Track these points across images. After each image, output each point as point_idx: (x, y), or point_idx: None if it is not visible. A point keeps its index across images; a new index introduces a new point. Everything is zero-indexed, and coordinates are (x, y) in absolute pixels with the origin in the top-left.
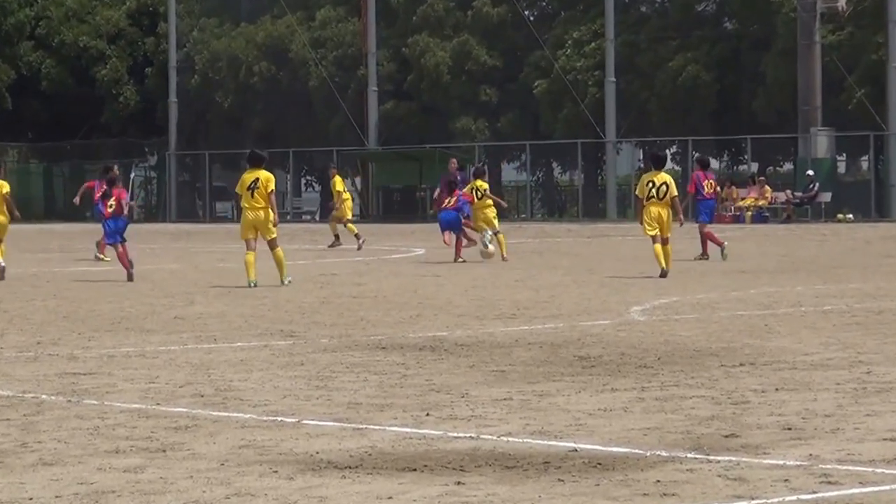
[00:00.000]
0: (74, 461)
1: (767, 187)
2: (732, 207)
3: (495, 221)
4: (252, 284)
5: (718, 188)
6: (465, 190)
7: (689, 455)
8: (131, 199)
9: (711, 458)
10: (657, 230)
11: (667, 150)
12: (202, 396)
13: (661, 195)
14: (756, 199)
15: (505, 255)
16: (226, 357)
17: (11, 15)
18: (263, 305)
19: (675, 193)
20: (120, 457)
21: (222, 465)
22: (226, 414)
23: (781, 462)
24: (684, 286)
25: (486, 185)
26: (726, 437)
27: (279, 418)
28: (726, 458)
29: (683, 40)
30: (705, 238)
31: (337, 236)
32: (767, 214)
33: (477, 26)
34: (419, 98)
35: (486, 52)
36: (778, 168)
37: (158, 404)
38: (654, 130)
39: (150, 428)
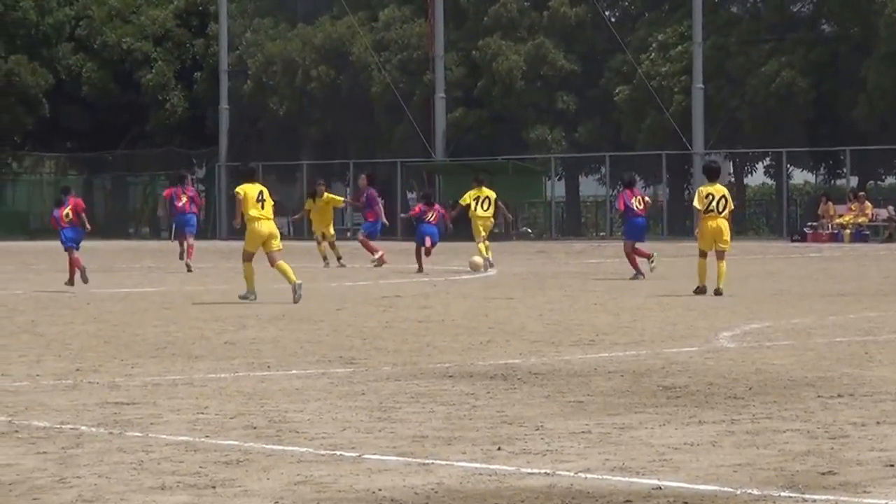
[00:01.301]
0: (116, 498)
1: (868, 203)
2: (830, 225)
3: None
4: (254, 297)
5: (648, 201)
6: (465, 196)
7: (782, 494)
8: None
9: (807, 496)
10: (713, 245)
11: (758, 163)
12: (254, 428)
13: (720, 208)
14: (855, 216)
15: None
16: (280, 386)
17: (49, 14)
18: (321, 330)
19: (731, 207)
20: (166, 494)
21: (276, 503)
22: (280, 447)
23: (883, 502)
24: (777, 310)
25: (493, 195)
26: (823, 474)
27: (338, 452)
28: (823, 496)
29: (777, 43)
30: (632, 256)
31: (338, 258)
32: (868, 233)
33: (553, 28)
34: (490, 105)
35: (563, 56)
36: (879, 182)
37: (207, 437)
38: (745, 141)
39: (198, 462)
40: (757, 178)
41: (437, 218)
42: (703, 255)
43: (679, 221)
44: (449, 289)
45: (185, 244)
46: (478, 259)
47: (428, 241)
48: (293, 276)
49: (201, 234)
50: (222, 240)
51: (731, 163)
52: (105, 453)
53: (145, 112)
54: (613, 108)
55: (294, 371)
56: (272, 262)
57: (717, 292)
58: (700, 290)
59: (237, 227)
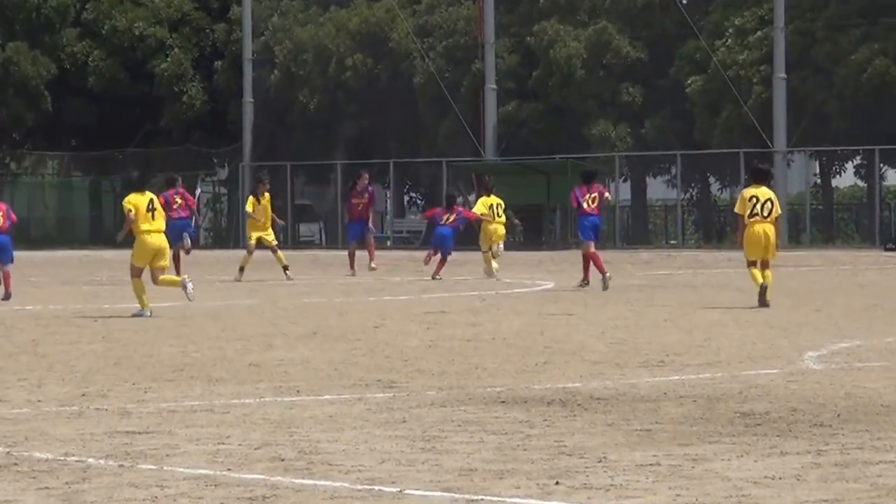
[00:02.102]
0: None
1: None
2: None
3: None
4: (149, 313)
5: (609, 198)
6: (478, 205)
7: None
8: (192, 223)
9: None
10: (761, 253)
11: (828, 164)
12: (283, 461)
13: (765, 212)
14: None
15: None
16: (311, 413)
17: None
18: (357, 350)
19: (780, 212)
20: None
21: None
22: (311, 482)
23: None
24: (869, 327)
25: (502, 202)
26: None
27: (376, 487)
28: None
29: (869, 28)
30: (588, 260)
31: (285, 269)
32: None
33: (617, 11)
34: (546, 98)
35: (628, 43)
36: None
37: (230, 470)
38: (833, 138)
39: (219, 499)
40: (846, 179)
41: (456, 221)
42: (752, 264)
43: None
44: (500, 304)
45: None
46: (494, 264)
47: (433, 253)
48: (176, 277)
49: (221, 243)
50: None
51: (818, 162)
52: (115, 489)
53: (159, 106)
54: (685, 101)
55: (327, 396)
56: (155, 280)
57: (764, 303)
58: (764, 300)
59: (120, 241)
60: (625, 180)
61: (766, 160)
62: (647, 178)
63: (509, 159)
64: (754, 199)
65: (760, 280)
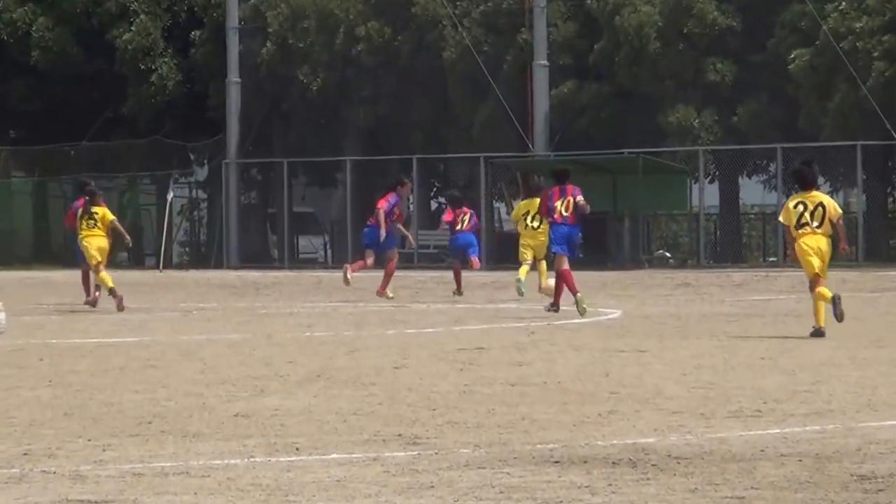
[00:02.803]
0: None
1: None
2: None
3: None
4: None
5: (584, 205)
6: (516, 210)
7: None
8: (167, 230)
9: None
10: (817, 267)
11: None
12: None
13: (817, 221)
14: None
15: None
16: (314, 476)
17: None
18: (372, 396)
19: (839, 213)
20: None
21: None
22: None
23: None
24: None
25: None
26: None
27: None
28: None
29: None
30: (561, 280)
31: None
32: None
33: None
34: (612, 77)
35: (715, 7)
36: None
37: None
38: None
39: None
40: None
41: (472, 226)
42: (816, 282)
43: (881, 240)
44: (554, 338)
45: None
46: (549, 282)
47: (474, 260)
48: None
49: (201, 261)
50: (232, 268)
51: None
52: None
53: (121, 88)
54: (787, 81)
55: (334, 455)
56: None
57: (818, 332)
58: (818, 332)
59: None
60: (711, 181)
61: (890, 156)
62: (740, 179)
63: (564, 155)
64: (801, 206)
65: (829, 293)
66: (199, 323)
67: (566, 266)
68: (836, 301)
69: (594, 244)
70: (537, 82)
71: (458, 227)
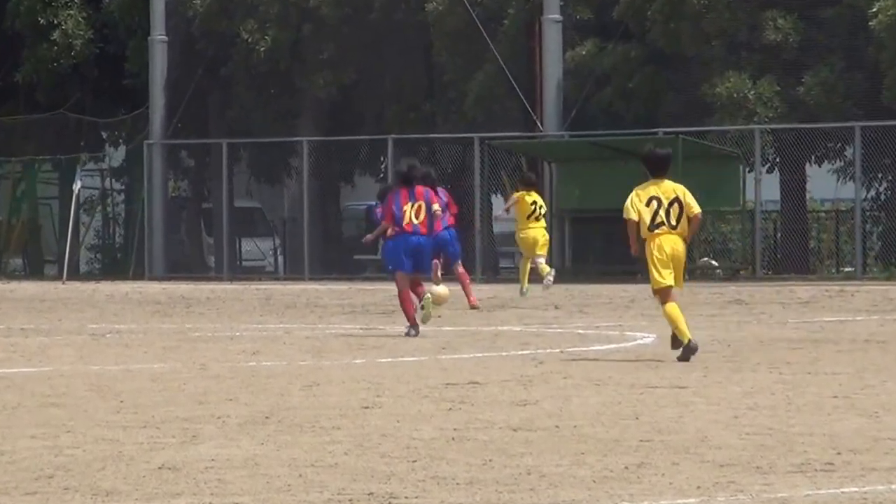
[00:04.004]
0: None
1: None
2: None
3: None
4: None
5: (440, 214)
6: (510, 202)
7: None
8: (72, 230)
9: None
10: (672, 278)
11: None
12: None
13: (673, 220)
14: None
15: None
16: None
17: None
18: (336, 444)
19: (697, 210)
20: None
21: None
22: None
23: None
24: None
25: (543, 203)
26: None
27: None
28: None
29: None
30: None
31: None
32: None
33: None
34: (643, 36)
35: None
36: None
37: None
38: None
39: None
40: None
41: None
42: (666, 295)
43: None
44: (568, 369)
45: None
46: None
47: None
48: None
49: (114, 269)
50: (156, 279)
51: None
52: None
53: (15, 49)
54: (867, 42)
55: None
56: None
57: (686, 352)
58: (688, 349)
59: None
60: (770, 170)
61: None
62: (807, 167)
63: (582, 135)
64: (654, 202)
65: (687, 334)
66: (114, 349)
67: (404, 284)
68: (688, 350)
69: (620, 249)
70: (547, 42)
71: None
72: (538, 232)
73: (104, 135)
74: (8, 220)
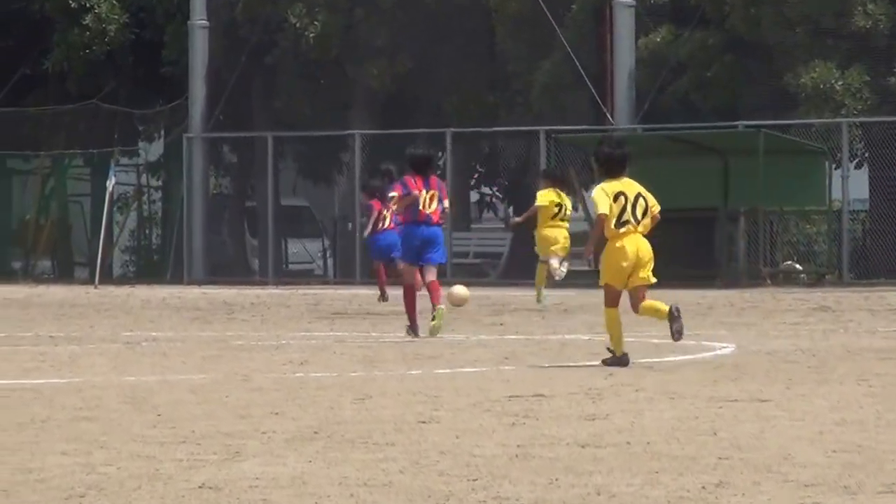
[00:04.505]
0: None
1: None
2: None
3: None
4: None
5: (447, 208)
6: (541, 196)
7: None
8: (106, 230)
9: None
10: (625, 280)
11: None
12: None
13: (640, 215)
14: None
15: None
16: None
17: None
18: (390, 462)
19: (657, 213)
20: None
21: None
22: None
23: None
24: None
25: (567, 202)
26: None
27: None
28: None
29: None
30: (423, 293)
31: None
32: None
33: None
34: (722, 22)
35: None
36: None
37: None
38: None
39: None
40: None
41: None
42: (614, 298)
43: None
44: (641, 381)
45: None
46: (554, 264)
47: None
48: None
49: (150, 272)
50: (196, 283)
51: None
52: None
53: (44, 35)
54: None
55: None
56: None
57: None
58: (621, 360)
59: None
60: (858, 166)
61: None
62: None
63: (655, 129)
64: (621, 198)
65: (621, 343)
66: (151, 358)
67: (415, 278)
68: (674, 315)
69: (698, 252)
70: (619, 28)
71: (381, 223)
72: (560, 232)
73: (140, 127)
74: (36, 220)
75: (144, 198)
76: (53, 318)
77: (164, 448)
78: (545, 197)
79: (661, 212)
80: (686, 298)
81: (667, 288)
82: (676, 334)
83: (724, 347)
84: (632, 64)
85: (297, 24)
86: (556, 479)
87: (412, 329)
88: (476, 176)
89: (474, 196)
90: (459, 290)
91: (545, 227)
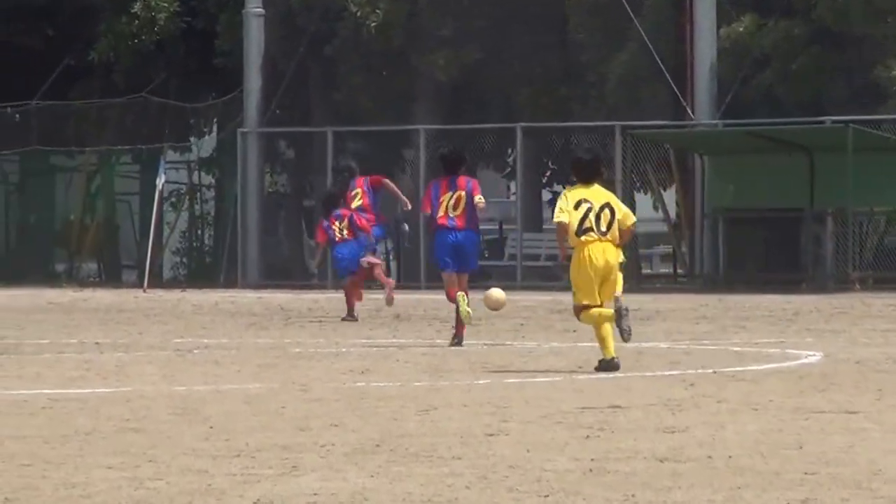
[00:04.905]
0: None
1: None
2: None
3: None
4: None
5: (483, 205)
6: (561, 203)
7: None
8: (155, 231)
9: None
10: (596, 293)
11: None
12: None
13: (604, 226)
14: None
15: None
16: None
17: None
18: (456, 477)
19: (633, 220)
20: None
21: None
22: None
23: None
24: None
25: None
26: None
27: None
28: None
29: None
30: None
31: None
32: None
33: None
34: (807, 14)
35: None
36: None
37: None
38: None
39: None
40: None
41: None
42: (584, 309)
43: None
44: (722, 392)
45: None
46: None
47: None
48: None
49: (202, 275)
50: (251, 287)
51: None
52: None
53: (89, 24)
54: None
55: None
56: None
57: (609, 365)
58: (611, 365)
59: None
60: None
61: None
62: None
63: (738, 124)
64: (584, 206)
65: (611, 350)
66: (202, 367)
67: (453, 284)
68: (621, 314)
69: (782, 255)
70: (700, 18)
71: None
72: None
73: (191, 122)
74: (81, 220)
75: (196, 196)
76: (99, 324)
77: (217, 462)
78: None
79: (743, 211)
80: (770, 304)
81: (748, 293)
82: (624, 334)
83: (811, 356)
84: (713, 55)
85: (358, 13)
86: (633, 496)
87: (457, 338)
88: (548, 174)
89: (546, 195)
90: (496, 293)
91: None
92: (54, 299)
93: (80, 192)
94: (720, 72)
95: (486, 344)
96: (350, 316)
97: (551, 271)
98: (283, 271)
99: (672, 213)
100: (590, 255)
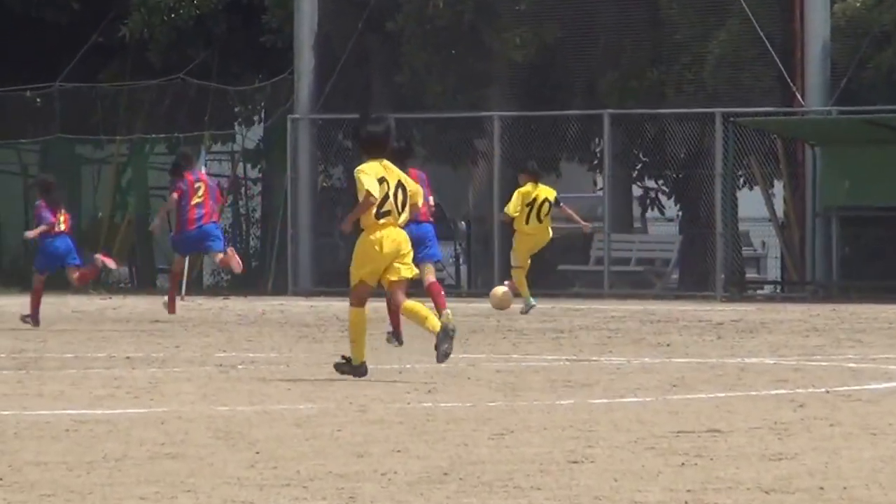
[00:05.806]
0: None
1: None
2: None
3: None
4: None
5: (433, 206)
6: (513, 202)
7: None
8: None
9: None
10: (374, 279)
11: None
12: None
13: (400, 206)
14: None
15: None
16: None
17: None
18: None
19: (421, 199)
20: None
21: None
22: None
23: None
24: None
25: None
26: None
27: None
28: None
29: None
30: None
31: None
32: None
33: None
34: None
35: None
36: None
37: None
38: None
39: None
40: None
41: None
42: (362, 297)
43: None
44: (835, 414)
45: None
46: (500, 290)
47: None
48: None
49: (252, 279)
50: (302, 294)
51: None
52: None
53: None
54: None
55: None
56: None
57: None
58: (357, 370)
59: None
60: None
61: None
62: None
63: (854, 111)
64: (385, 185)
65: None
66: (248, 385)
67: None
68: (447, 332)
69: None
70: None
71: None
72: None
73: (235, 108)
74: (110, 218)
75: (241, 192)
76: (131, 336)
77: (264, 492)
78: (520, 198)
79: (860, 210)
80: (890, 315)
81: (865, 302)
82: (442, 356)
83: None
84: (826, 34)
85: None
86: None
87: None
88: (639, 166)
89: (637, 191)
90: (501, 290)
91: (523, 235)
92: (79, 307)
93: (109, 187)
94: (834, 52)
95: (568, 359)
96: (33, 319)
97: (642, 277)
98: (339, 277)
99: (779, 212)
100: (382, 240)
